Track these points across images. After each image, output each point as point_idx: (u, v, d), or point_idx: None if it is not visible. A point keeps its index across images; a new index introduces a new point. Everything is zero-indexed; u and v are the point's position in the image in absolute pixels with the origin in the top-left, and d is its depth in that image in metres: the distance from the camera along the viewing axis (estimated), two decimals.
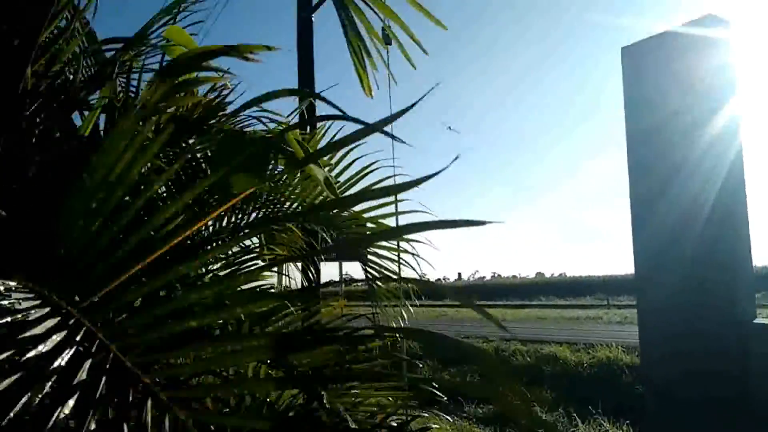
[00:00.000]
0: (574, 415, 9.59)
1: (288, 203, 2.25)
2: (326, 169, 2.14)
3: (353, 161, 2.29)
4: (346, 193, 2.26)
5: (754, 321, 2.63)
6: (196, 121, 1.88)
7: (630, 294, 34.74)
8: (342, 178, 2.28)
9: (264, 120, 2.10)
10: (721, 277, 2.58)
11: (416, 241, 2.29)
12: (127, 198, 1.19)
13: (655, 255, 2.84)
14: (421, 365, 14.34)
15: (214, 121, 1.98)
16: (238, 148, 1.65)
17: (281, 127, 2.28)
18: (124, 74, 2.08)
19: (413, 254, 2.33)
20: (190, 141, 2.01)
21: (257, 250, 2.70)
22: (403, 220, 2.50)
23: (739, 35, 2.61)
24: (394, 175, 2.45)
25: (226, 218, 2.25)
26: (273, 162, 1.98)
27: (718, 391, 2.60)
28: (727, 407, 2.58)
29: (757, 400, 2.51)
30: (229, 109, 2.29)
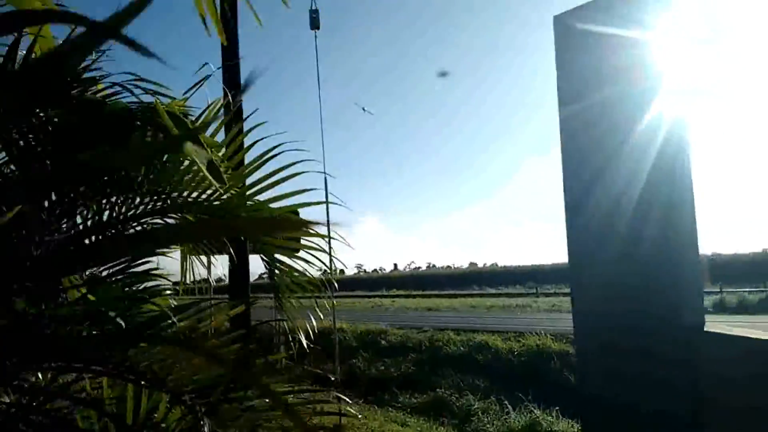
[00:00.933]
0: (506, 402, 9.69)
1: (181, 191, 1.92)
2: (220, 152, 1.84)
3: (254, 143, 1.98)
4: (246, 181, 1.96)
5: (706, 329, 2.43)
6: (54, 89, 1.52)
7: (557, 283, 35.97)
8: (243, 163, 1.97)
9: (148, 92, 1.76)
10: (663, 274, 2.42)
11: (321, 236, 2.02)
12: None
13: (590, 246, 2.70)
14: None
15: (78, 90, 1.63)
16: (95, 121, 1.32)
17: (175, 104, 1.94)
18: None
19: (321, 249, 2.07)
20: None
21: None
22: (315, 212, 2.22)
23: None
24: (320, 169, 2.17)
25: (106, 212, 1.90)
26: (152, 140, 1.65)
27: (665, 404, 2.45)
28: (677, 423, 2.41)
29: (710, 418, 2.32)
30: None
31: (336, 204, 2.05)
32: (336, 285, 2.42)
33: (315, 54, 9.77)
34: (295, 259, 2.23)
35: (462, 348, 13.45)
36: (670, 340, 2.43)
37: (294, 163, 2.01)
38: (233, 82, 8.19)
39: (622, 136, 2.49)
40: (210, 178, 1.32)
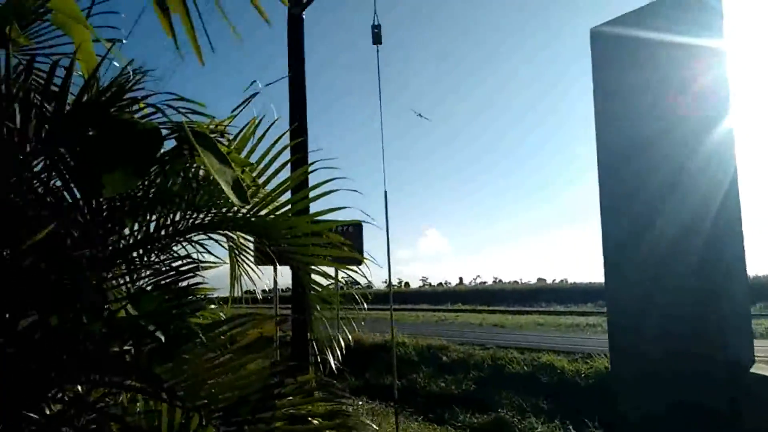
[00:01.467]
0: (570, 427, 9.27)
1: (220, 207, 1.95)
2: (248, 168, 1.84)
3: (286, 162, 1.98)
4: (278, 199, 1.96)
5: (752, 370, 2.19)
6: (91, 108, 1.58)
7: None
8: (272, 183, 1.97)
9: (184, 111, 1.80)
10: (710, 304, 2.20)
11: (353, 256, 1.98)
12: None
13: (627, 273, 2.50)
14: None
15: (116, 109, 1.68)
16: (123, 140, 1.35)
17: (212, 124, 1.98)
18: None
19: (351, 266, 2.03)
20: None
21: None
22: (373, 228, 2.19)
23: (732, 18, 2.25)
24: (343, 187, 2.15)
25: (137, 226, 1.95)
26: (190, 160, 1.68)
27: None
28: None
29: None
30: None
31: (368, 222, 2.00)
32: (369, 299, 2.38)
33: (377, 68, 9.89)
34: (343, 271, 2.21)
35: (525, 367, 13.02)
36: (713, 384, 2.20)
37: (330, 180, 1.98)
38: (299, 104, 8.37)
39: (676, 159, 2.30)
40: (232, 196, 1.31)
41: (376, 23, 9.75)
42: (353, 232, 10.51)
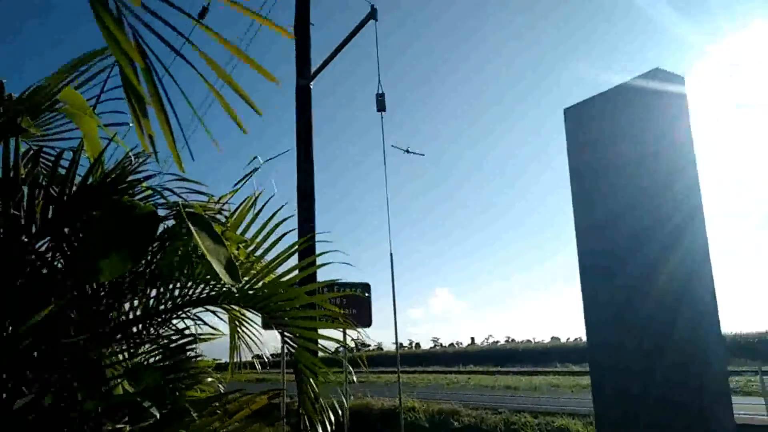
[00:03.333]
0: None
1: (210, 282, 1.99)
2: (242, 245, 1.90)
3: (282, 236, 2.04)
4: (273, 272, 2.00)
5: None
6: (94, 192, 1.65)
7: None
8: (271, 254, 2.03)
9: (184, 192, 1.88)
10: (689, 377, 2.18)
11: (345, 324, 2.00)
12: None
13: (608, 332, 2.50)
14: None
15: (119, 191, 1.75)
16: (121, 224, 1.41)
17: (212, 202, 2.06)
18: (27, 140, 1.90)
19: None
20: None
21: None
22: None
23: (692, 90, 2.35)
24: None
25: (136, 301, 1.99)
26: (185, 238, 1.74)
27: None
28: None
29: None
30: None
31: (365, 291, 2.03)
32: (365, 364, 2.38)
33: (381, 134, 10.16)
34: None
35: None
36: None
37: (320, 254, 2.04)
38: (307, 182, 8.53)
39: (640, 218, 2.34)
40: (224, 275, 1.36)
41: (380, 92, 10.11)
42: (361, 294, 10.46)
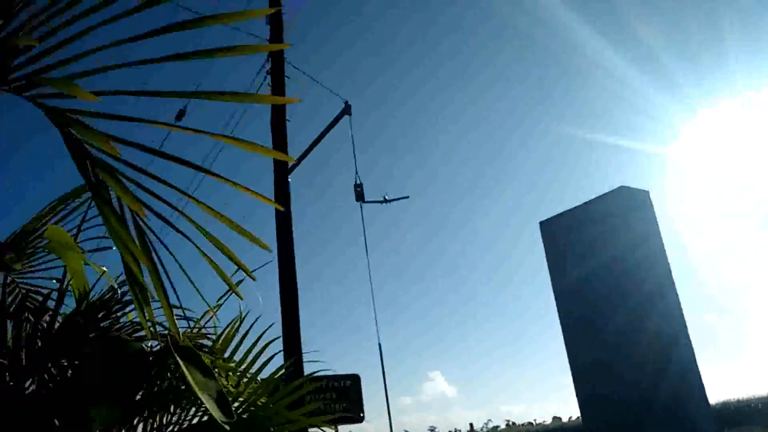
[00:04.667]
0: None
1: (201, 406, 1.95)
2: (231, 373, 1.89)
3: (271, 358, 2.03)
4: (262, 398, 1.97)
5: None
6: (81, 327, 1.65)
7: None
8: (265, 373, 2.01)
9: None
10: None
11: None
12: None
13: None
14: None
15: (106, 323, 1.76)
16: (112, 364, 1.40)
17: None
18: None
19: None
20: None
21: None
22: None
23: (658, 204, 2.48)
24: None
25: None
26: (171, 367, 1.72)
27: None
28: None
29: None
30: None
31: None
32: None
33: (362, 224, 10.32)
34: None
35: None
36: None
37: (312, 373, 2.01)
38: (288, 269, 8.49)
39: (622, 336, 2.39)
40: (216, 412, 1.34)
41: (358, 182, 10.38)
42: (351, 385, 10.12)
